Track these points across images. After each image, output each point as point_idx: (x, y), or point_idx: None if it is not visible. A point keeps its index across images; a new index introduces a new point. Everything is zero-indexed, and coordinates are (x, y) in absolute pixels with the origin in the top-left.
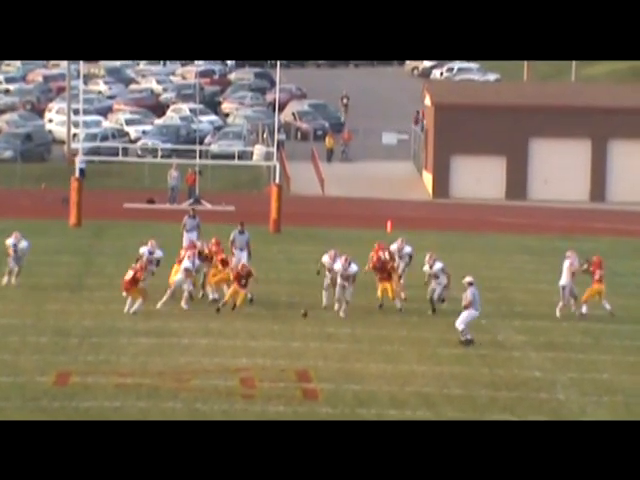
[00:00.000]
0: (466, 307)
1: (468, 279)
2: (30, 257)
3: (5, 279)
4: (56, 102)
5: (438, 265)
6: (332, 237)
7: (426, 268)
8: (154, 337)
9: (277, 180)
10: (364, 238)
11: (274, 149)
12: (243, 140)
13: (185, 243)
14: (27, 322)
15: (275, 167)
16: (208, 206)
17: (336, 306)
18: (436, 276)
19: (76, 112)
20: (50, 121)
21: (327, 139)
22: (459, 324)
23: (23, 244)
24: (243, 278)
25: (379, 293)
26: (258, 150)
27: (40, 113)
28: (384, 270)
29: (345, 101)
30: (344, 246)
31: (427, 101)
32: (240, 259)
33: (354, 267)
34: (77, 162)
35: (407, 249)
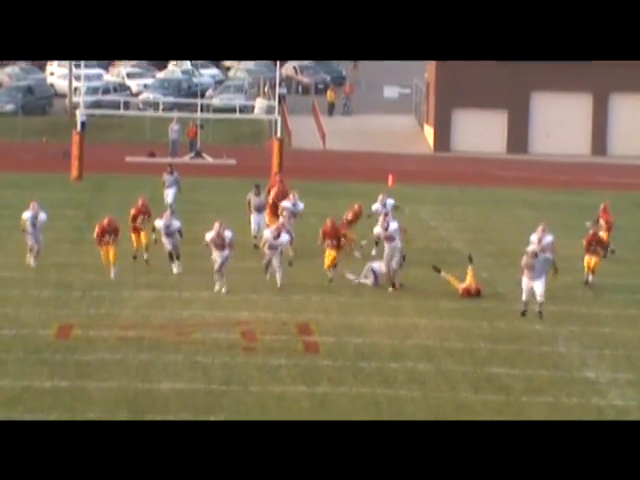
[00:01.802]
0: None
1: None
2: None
3: (32, 260)
4: None
5: (394, 226)
6: (333, 191)
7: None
8: (155, 290)
9: (278, 134)
10: (365, 192)
11: (275, 103)
12: (244, 94)
13: (168, 199)
14: (29, 275)
15: (276, 121)
16: (209, 160)
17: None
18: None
19: (77, 65)
20: (51, 74)
21: (328, 93)
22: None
23: (42, 216)
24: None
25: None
26: (259, 104)
27: (41, 66)
28: (335, 237)
29: None
30: (345, 200)
31: None
32: (258, 222)
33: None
34: (78, 115)
35: (390, 201)
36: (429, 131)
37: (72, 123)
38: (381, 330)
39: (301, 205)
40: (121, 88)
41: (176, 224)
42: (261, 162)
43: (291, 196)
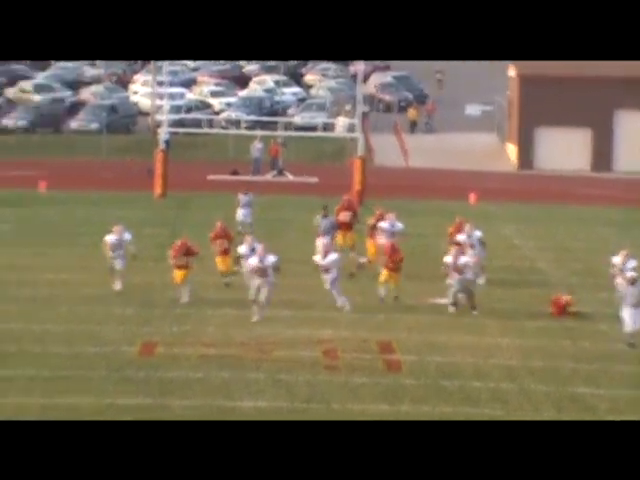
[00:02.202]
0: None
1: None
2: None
3: (118, 283)
4: (141, 74)
5: (464, 258)
6: (415, 209)
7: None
8: (238, 308)
9: (360, 152)
10: (447, 210)
11: (357, 121)
12: (326, 112)
13: (239, 218)
14: (113, 293)
15: (358, 139)
16: (291, 178)
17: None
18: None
19: (161, 84)
20: (135, 93)
21: (410, 111)
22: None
23: (126, 237)
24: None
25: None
26: (341, 122)
27: (125, 85)
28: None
29: (439, 76)
30: (427, 218)
31: (511, 72)
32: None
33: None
34: (162, 134)
35: (477, 233)
36: (512, 149)
37: (155, 141)
38: (463, 349)
39: (399, 225)
40: (204, 106)
41: (270, 259)
42: (343, 180)
43: (389, 216)
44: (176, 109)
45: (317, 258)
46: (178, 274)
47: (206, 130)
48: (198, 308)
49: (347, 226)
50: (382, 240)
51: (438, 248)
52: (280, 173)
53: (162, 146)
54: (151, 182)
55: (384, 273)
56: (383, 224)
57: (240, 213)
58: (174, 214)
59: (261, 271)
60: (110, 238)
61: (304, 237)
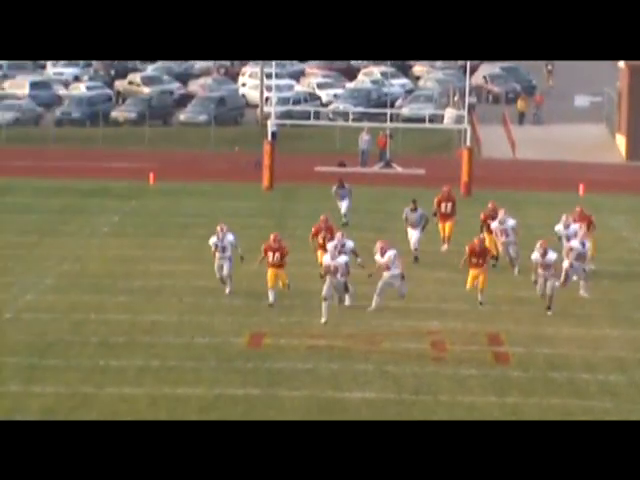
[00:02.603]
0: None
1: None
2: (225, 220)
3: (227, 289)
4: (249, 66)
5: (553, 255)
6: (523, 200)
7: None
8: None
9: (468, 143)
10: (556, 202)
11: (465, 112)
12: (434, 103)
13: (343, 210)
14: (222, 284)
15: (466, 130)
16: (399, 169)
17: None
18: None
19: (269, 76)
20: (243, 85)
21: (519, 102)
22: None
23: (229, 238)
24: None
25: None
26: (449, 113)
27: (234, 77)
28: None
29: (550, 67)
30: (534, 209)
31: (621, 63)
32: (415, 235)
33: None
34: (269, 126)
35: (574, 226)
36: (621, 140)
37: (263, 133)
38: (572, 341)
39: (511, 221)
40: (311, 98)
41: (349, 244)
42: (450, 172)
43: (500, 213)
44: (284, 101)
45: (377, 257)
46: (270, 273)
47: (314, 122)
48: (306, 299)
49: (446, 217)
50: (502, 239)
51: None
52: (387, 165)
53: (269, 138)
54: (259, 174)
55: (472, 273)
56: (494, 224)
57: (342, 205)
58: (281, 205)
59: (334, 269)
60: (213, 240)
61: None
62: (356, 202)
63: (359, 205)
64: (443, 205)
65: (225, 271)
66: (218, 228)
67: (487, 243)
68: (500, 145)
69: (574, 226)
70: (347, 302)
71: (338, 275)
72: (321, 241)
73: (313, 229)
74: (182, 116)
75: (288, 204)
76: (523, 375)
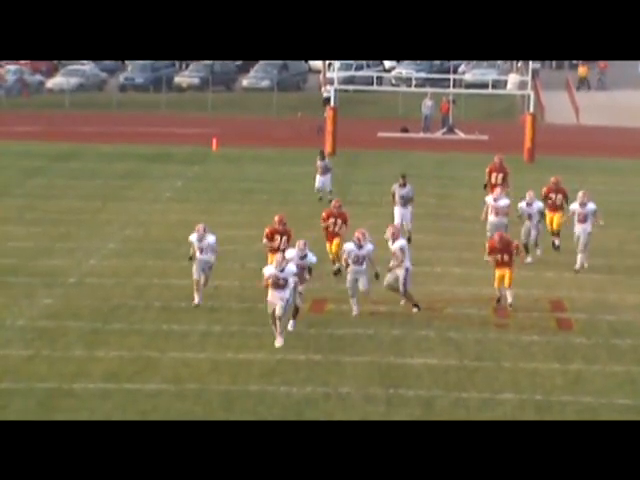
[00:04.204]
0: None
1: None
2: (287, 185)
3: (196, 295)
4: None
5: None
6: (586, 166)
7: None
8: None
9: (531, 109)
10: (619, 168)
11: (529, 78)
12: (497, 69)
13: (317, 184)
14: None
15: (529, 96)
16: (462, 135)
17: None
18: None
19: None
20: None
21: (580, 68)
22: None
23: (209, 239)
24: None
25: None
26: (512, 79)
27: None
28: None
29: None
30: (598, 175)
31: None
32: (402, 214)
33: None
34: (323, 91)
35: (591, 206)
36: None
37: (337, 98)
38: (635, 308)
39: (591, 206)
40: (374, 64)
41: (370, 247)
42: (513, 138)
43: (580, 195)
44: (346, 66)
45: (349, 246)
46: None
47: (376, 87)
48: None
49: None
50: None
51: (609, 205)
52: (450, 131)
53: (326, 103)
54: (321, 139)
55: (499, 273)
56: (573, 205)
57: (319, 180)
58: (343, 171)
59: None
60: (193, 237)
61: (474, 195)
62: (419, 168)
63: (422, 172)
64: (494, 175)
65: (198, 275)
66: (197, 227)
67: (509, 236)
68: (564, 111)
69: (538, 203)
70: (291, 327)
71: (286, 292)
72: (331, 228)
73: (324, 213)
74: (245, 82)
75: (350, 170)
76: (586, 342)
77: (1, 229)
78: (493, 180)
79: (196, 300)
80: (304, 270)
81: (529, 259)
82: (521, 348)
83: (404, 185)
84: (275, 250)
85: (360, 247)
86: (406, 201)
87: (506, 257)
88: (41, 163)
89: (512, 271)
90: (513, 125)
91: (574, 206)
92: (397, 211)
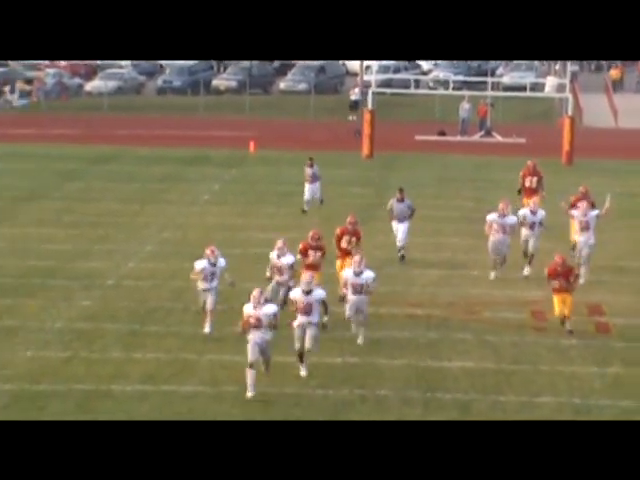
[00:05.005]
0: None
1: None
2: (323, 188)
3: (207, 325)
4: None
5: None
6: (625, 169)
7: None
8: (444, 268)
9: (569, 112)
10: None
11: (567, 80)
12: (535, 72)
13: (306, 195)
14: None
15: (567, 99)
16: (499, 138)
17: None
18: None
19: None
20: None
21: (612, 71)
22: None
23: (221, 263)
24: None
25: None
26: (550, 81)
27: None
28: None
29: None
30: (636, 178)
31: None
32: (402, 230)
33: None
34: (350, 94)
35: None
36: None
37: (363, 102)
38: None
39: (541, 213)
40: (412, 67)
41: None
42: (551, 141)
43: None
44: (384, 69)
45: (347, 273)
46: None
47: (414, 91)
48: (405, 268)
49: (532, 192)
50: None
51: None
52: (488, 134)
53: (353, 107)
54: (359, 142)
55: (558, 299)
56: (575, 213)
57: (308, 189)
58: (380, 174)
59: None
60: (200, 264)
61: (511, 198)
62: (456, 171)
63: (459, 175)
64: (528, 180)
65: (209, 305)
66: (208, 251)
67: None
68: (602, 114)
69: (541, 212)
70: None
71: (261, 331)
72: (345, 245)
73: (338, 230)
74: (282, 84)
75: (387, 173)
76: (625, 345)
77: (39, 231)
78: (527, 184)
79: (206, 329)
80: (311, 306)
81: (525, 271)
82: (559, 351)
83: (402, 200)
84: (309, 266)
85: (358, 274)
86: (403, 216)
87: (565, 283)
88: (79, 166)
89: (571, 298)
90: (551, 128)
91: (577, 214)
92: (394, 226)
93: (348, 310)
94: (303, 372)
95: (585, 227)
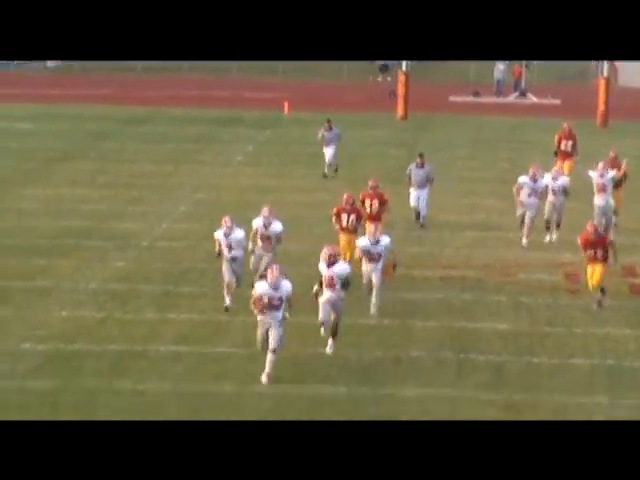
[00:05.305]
0: None
1: None
2: (357, 149)
3: (227, 298)
4: None
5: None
6: None
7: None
8: (478, 230)
9: (605, 72)
10: None
11: None
12: None
13: (327, 158)
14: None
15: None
16: (534, 99)
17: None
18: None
19: None
20: None
21: None
22: None
23: (237, 234)
24: None
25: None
26: None
27: None
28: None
29: None
30: None
31: None
32: (418, 196)
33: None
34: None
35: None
36: None
37: (398, 63)
38: None
39: (563, 180)
40: None
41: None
42: (586, 101)
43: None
44: None
45: (363, 242)
46: (345, 240)
47: None
48: (437, 230)
49: (566, 155)
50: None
51: None
52: (523, 95)
53: (383, 70)
54: (393, 103)
55: (592, 269)
56: (593, 174)
57: (327, 152)
58: (414, 135)
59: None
60: (217, 234)
61: (546, 159)
62: (491, 133)
63: (494, 136)
64: (563, 143)
65: (230, 277)
66: (222, 222)
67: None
68: (638, 74)
69: (563, 179)
70: (329, 348)
71: (333, 291)
72: (345, 224)
73: (335, 209)
74: None
75: (422, 134)
76: None
77: (74, 192)
78: (562, 147)
79: (227, 302)
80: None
81: (547, 238)
82: (593, 313)
83: (422, 165)
84: (344, 230)
85: (376, 243)
86: (423, 183)
87: (599, 252)
88: (113, 127)
89: (605, 268)
90: (586, 89)
91: (594, 175)
92: (413, 193)
93: (364, 278)
94: (329, 349)
95: (602, 189)
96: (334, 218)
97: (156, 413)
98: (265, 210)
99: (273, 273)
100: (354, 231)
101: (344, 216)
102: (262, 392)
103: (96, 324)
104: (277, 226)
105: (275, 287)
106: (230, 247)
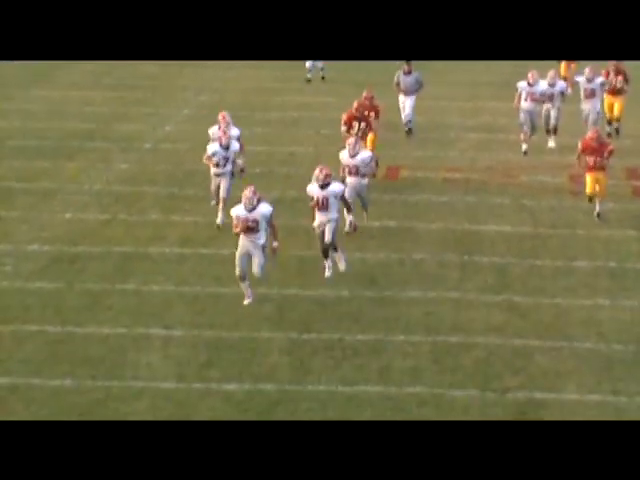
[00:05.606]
0: None
1: None
2: None
3: (220, 215)
4: None
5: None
6: None
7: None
8: (483, 132)
9: None
10: None
11: None
12: None
13: (307, 63)
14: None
15: None
16: None
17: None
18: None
19: None
20: None
21: None
22: None
23: (234, 147)
24: None
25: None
26: None
27: None
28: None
29: None
30: None
31: None
32: (410, 105)
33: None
34: None
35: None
36: None
37: None
38: None
39: (560, 85)
40: None
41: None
42: None
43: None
44: None
45: (343, 155)
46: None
47: None
48: (442, 133)
49: (615, 93)
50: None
51: None
52: None
53: None
54: None
55: (590, 177)
56: (580, 79)
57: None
58: None
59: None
60: (212, 147)
61: (548, 62)
62: None
63: None
64: (612, 79)
65: (222, 192)
66: (220, 117)
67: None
68: None
69: (561, 84)
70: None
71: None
72: (355, 131)
73: (345, 116)
74: None
75: None
76: None
77: (78, 94)
78: (612, 84)
79: (219, 219)
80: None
81: (550, 144)
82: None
83: (409, 72)
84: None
85: (353, 156)
86: (410, 90)
87: (599, 159)
88: None
89: (606, 177)
90: None
91: (581, 80)
92: (400, 99)
93: (347, 193)
94: (328, 273)
95: (590, 94)
96: (343, 126)
97: (160, 315)
98: (222, 115)
99: (247, 194)
100: (363, 138)
101: (355, 123)
102: (265, 294)
103: (100, 226)
104: (234, 131)
105: (249, 209)
106: (226, 160)
